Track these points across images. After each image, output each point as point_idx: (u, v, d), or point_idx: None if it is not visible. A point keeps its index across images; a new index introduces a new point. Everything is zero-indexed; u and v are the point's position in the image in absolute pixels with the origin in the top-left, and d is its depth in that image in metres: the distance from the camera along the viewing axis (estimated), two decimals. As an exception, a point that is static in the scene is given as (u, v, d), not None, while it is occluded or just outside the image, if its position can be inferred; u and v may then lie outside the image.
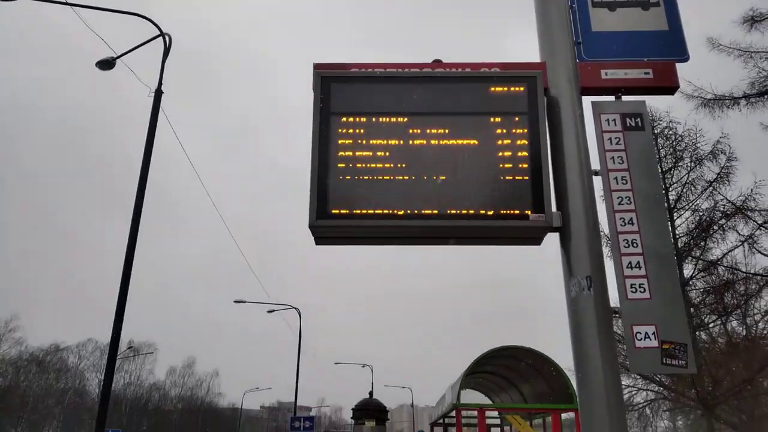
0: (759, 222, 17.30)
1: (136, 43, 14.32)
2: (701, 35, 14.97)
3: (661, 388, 23.03)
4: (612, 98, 3.02)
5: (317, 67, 2.96)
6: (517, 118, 2.80)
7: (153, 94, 13.64)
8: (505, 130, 2.79)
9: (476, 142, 2.77)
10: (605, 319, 2.47)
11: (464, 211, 2.66)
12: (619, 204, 2.72)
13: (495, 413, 12.14)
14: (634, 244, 2.64)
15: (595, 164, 2.81)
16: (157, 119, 13.29)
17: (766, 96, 14.69)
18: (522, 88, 2.83)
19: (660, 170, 20.21)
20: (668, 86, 3.02)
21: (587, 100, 2.98)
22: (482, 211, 2.66)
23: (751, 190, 17.73)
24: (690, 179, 19.80)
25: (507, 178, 2.71)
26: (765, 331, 26.17)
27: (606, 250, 2.66)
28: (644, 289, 2.56)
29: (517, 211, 2.65)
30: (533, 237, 2.75)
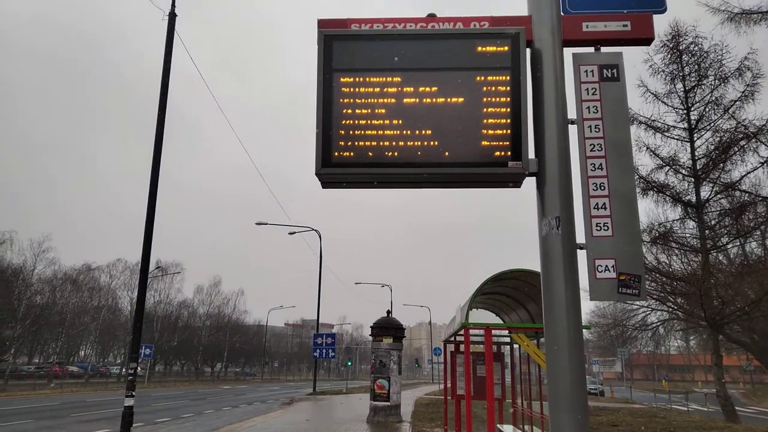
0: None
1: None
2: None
3: (674, 308, 23.68)
4: (592, 50, 3.22)
5: (321, 25, 3.21)
6: (500, 74, 3.04)
7: (167, 17, 13.71)
8: (489, 86, 3.04)
9: (463, 97, 3.04)
10: (570, 255, 2.83)
11: (450, 161, 2.98)
12: (591, 151, 3.01)
13: (501, 332, 12.80)
14: (602, 188, 2.96)
15: (572, 113, 3.07)
16: (172, 42, 13.41)
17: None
18: (506, 46, 3.05)
19: (683, 89, 19.80)
20: (645, 38, 3.20)
21: (568, 52, 3.19)
22: (467, 160, 2.97)
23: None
24: (713, 98, 19.41)
25: (489, 131, 2.99)
26: (783, 252, 26.34)
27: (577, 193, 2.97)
28: (608, 227, 2.90)
29: (497, 160, 2.95)
30: (512, 181, 3.06)
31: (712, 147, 19.26)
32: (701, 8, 15.52)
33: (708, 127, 19.69)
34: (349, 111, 3.06)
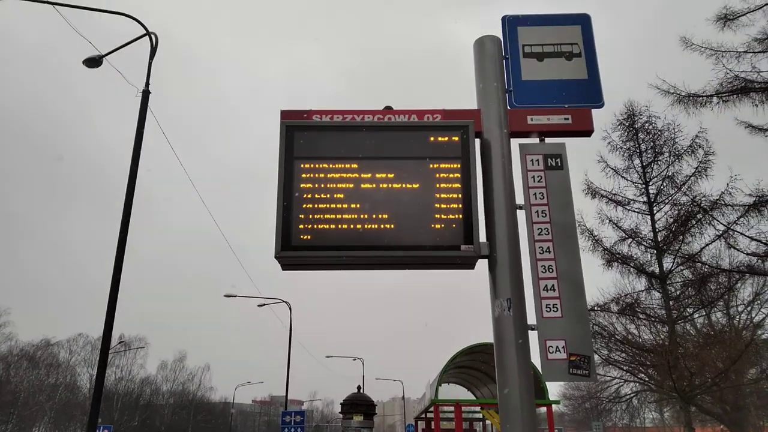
0: (734, 218, 17.82)
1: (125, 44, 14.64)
2: (681, 32, 15.42)
3: (645, 379, 23.68)
4: (537, 140, 3.46)
5: (283, 116, 3.40)
6: (452, 162, 3.25)
7: (141, 95, 14.00)
8: (442, 173, 3.24)
9: (417, 184, 3.23)
10: (522, 336, 2.93)
11: (406, 244, 3.12)
12: (539, 235, 3.18)
13: (473, 407, 12.63)
14: (550, 270, 3.11)
15: (520, 199, 3.26)
16: (145, 119, 13.62)
17: (736, 94, 15.09)
18: (457, 137, 3.28)
19: (641, 165, 20.72)
20: (584, 130, 3.47)
21: (515, 142, 3.42)
22: (421, 244, 3.12)
23: (727, 184, 18.27)
24: (669, 173, 20.30)
25: (442, 216, 3.17)
26: (748, 322, 26.86)
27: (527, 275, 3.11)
28: (557, 308, 3.03)
29: (450, 243, 3.10)
30: (466, 263, 3.20)
31: (671, 220, 19.95)
32: (653, 90, 16.55)
33: (666, 201, 20.46)
34: (309, 196, 3.21)
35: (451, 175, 3.22)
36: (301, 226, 3.14)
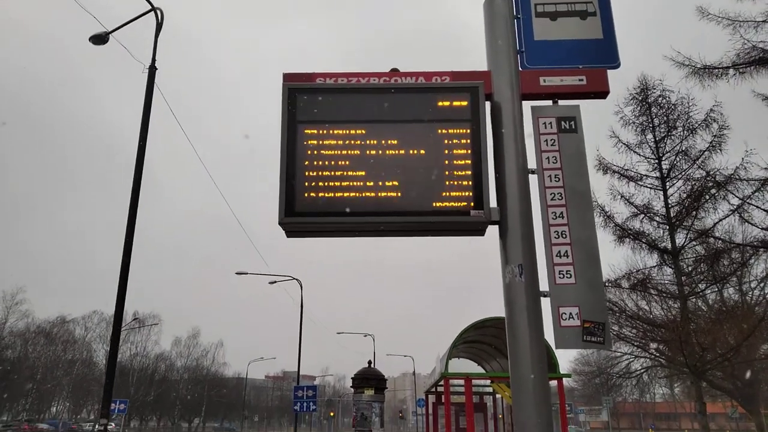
0: (748, 192, 17.53)
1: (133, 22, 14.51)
2: (696, 3, 14.96)
3: (656, 355, 23.62)
4: (549, 103, 3.33)
5: (286, 78, 3.29)
6: (461, 126, 3.14)
7: (147, 71, 13.89)
8: (451, 138, 3.13)
9: (426, 147, 3.12)
10: (534, 302, 2.84)
11: (415, 209, 3.02)
12: (552, 199, 3.08)
13: (484, 381, 12.65)
14: (563, 236, 3.01)
15: (532, 163, 3.15)
16: (152, 96, 13.54)
17: (754, 65, 14.68)
18: (466, 100, 3.16)
19: (653, 139, 20.41)
20: (600, 91, 3.33)
21: (527, 105, 3.30)
22: (429, 209, 3.02)
23: (742, 159, 17.95)
24: (683, 148, 19.97)
25: (452, 182, 3.06)
26: (761, 298, 26.65)
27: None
28: (570, 274, 2.94)
29: (460, 208, 3.00)
30: (475, 229, 3.11)
31: (684, 195, 19.65)
32: (667, 62, 16.17)
33: (679, 176, 20.13)
34: (313, 162, 3.11)
35: (461, 140, 3.11)
36: (306, 193, 3.06)
